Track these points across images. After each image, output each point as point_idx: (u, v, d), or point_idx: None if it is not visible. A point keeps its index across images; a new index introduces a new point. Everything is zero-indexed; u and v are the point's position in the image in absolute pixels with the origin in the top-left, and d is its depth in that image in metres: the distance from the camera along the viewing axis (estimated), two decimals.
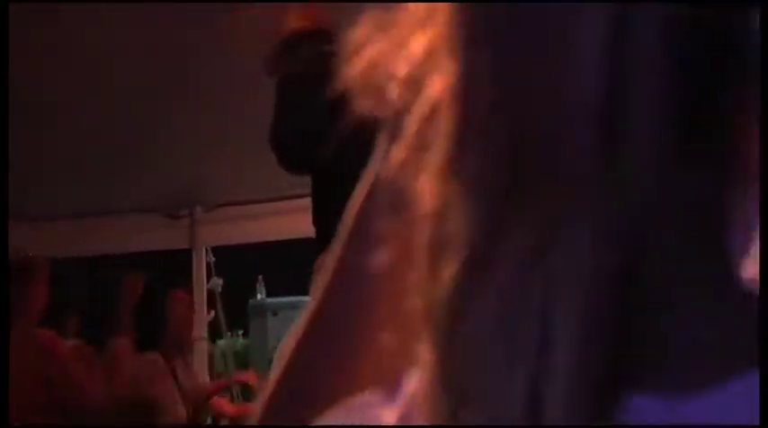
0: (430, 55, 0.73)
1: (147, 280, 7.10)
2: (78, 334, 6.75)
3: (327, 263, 0.98)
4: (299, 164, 4.29)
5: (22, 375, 5.43)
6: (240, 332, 9.37)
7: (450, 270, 0.64)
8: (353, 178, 1.33)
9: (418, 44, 0.74)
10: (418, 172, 0.70)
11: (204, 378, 8.05)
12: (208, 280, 8.64)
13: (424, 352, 0.66)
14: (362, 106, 0.75)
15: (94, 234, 8.46)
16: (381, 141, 0.85)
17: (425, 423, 0.66)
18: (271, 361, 8.18)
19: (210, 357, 9.01)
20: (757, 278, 0.72)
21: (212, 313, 8.63)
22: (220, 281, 8.63)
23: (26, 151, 7.51)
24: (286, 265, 10.10)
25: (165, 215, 8.60)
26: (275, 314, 9.33)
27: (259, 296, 9.75)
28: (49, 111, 7.30)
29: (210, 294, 8.58)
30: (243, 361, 8.94)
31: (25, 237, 7.08)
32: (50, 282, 5.85)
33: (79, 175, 7.84)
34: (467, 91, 0.67)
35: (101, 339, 6.68)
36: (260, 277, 10.46)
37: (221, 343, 9.79)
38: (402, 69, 0.75)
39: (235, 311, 8.42)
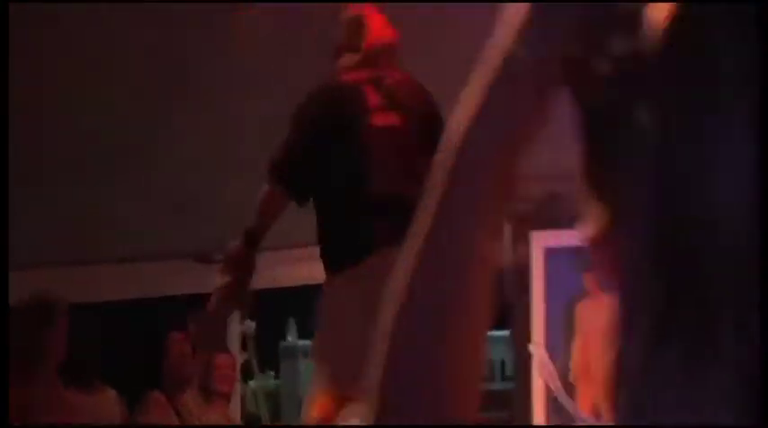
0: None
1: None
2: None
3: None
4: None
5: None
6: (272, 373, 9.32)
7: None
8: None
9: None
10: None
11: (236, 418, 8.03)
12: (241, 323, 8.62)
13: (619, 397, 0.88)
14: None
15: (131, 278, 8.46)
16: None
17: None
18: (301, 402, 8.12)
19: (242, 398, 8.99)
20: None
21: (245, 355, 8.62)
22: (253, 324, 8.61)
23: (60, 197, 7.52)
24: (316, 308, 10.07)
25: (198, 260, 8.60)
26: (306, 356, 9.29)
27: (290, 338, 9.69)
28: (87, 159, 7.30)
29: (243, 336, 8.57)
30: (274, 401, 8.89)
31: (58, 281, 7.05)
32: (70, 328, 5.77)
33: (114, 220, 7.85)
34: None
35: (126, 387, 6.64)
36: (291, 320, 10.40)
37: (253, 383, 9.79)
38: None
39: (267, 353, 8.37)
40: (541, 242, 7.53)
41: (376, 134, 5.01)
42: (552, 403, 6.99)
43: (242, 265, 5.32)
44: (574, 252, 7.43)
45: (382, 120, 5.02)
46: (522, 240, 7.57)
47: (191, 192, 7.60)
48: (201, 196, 7.64)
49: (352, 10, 5.18)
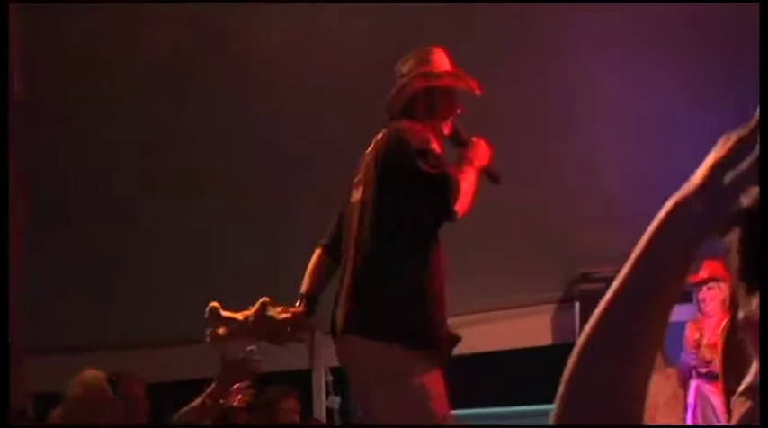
0: None
1: None
2: None
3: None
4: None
5: None
6: None
7: None
8: None
9: None
10: None
11: None
12: (326, 398, 8.63)
13: None
14: None
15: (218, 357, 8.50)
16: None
17: None
18: None
19: None
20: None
21: None
22: (338, 399, 8.60)
23: (133, 283, 7.61)
24: None
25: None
26: None
27: None
28: (164, 247, 7.41)
29: (329, 411, 8.56)
30: None
31: (157, 361, 7.09)
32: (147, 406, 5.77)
33: (204, 301, 7.92)
34: None
35: None
36: None
37: None
38: None
39: None
40: None
41: (348, 210, 4.78)
42: None
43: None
44: None
45: (353, 195, 4.75)
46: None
47: (259, 280, 7.68)
48: (267, 283, 7.70)
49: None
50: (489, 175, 4.78)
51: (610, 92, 6.94)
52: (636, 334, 1.32)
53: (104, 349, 7.79)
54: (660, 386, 6.93)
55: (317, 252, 5.04)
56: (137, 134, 6.79)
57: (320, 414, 8.56)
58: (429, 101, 4.67)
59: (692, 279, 6.86)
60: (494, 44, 6.69)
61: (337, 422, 8.24)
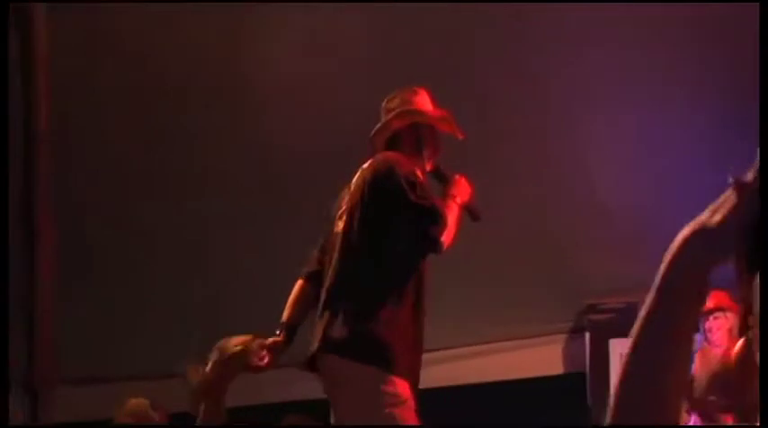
0: None
1: None
2: None
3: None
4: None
5: None
6: None
7: None
8: None
9: None
10: None
11: None
12: None
13: None
14: None
15: (247, 387, 8.51)
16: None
17: None
18: None
19: None
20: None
21: None
22: None
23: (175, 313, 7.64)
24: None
25: (304, 368, 8.64)
26: None
27: None
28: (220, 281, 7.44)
29: None
30: None
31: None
32: None
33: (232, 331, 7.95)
34: None
35: None
36: None
37: None
38: None
39: None
40: (619, 349, 7.51)
41: (332, 239, 4.83)
42: None
43: None
44: None
45: (335, 226, 4.80)
46: (601, 347, 7.56)
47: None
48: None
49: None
50: (470, 212, 4.82)
51: (624, 114, 6.90)
52: (663, 362, 1.45)
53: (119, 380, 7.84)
54: None
55: (300, 282, 5.09)
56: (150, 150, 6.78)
57: None
58: (415, 136, 4.74)
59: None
60: (491, 44, 6.67)
61: None
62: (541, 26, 6.69)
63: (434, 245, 4.50)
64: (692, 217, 1.74)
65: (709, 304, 6.83)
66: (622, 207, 7.17)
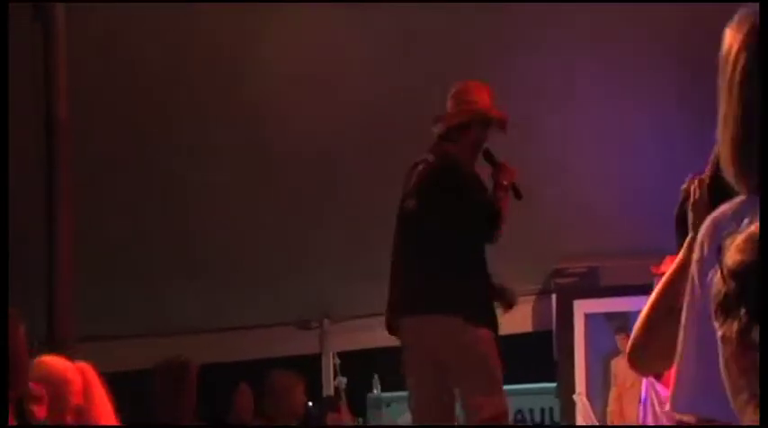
0: None
1: None
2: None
3: None
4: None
5: None
6: (360, 419, 9.38)
7: None
8: None
9: None
10: None
11: None
12: (334, 379, 8.69)
13: None
14: None
15: (243, 343, 8.56)
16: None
17: None
18: None
19: None
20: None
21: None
22: (345, 380, 8.65)
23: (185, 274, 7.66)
24: (396, 365, 10.12)
25: (299, 327, 8.69)
26: (388, 405, 9.31)
27: (375, 391, 9.73)
28: (219, 241, 7.44)
29: (336, 390, 8.61)
30: None
31: (184, 346, 7.13)
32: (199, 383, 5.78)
33: (230, 294, 7.97)
34: None
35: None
36: (376, 376, 10.45)
37: None
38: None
39: (356, 403, 8.40)
40: (582, 309, 7.56)
41: (403, 215, 5.20)
42: None
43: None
44: (609, 317, 7.49)
45: (407, 203, 5.20)
46: (566, 307, 7.60)
47: (295, 269, 7.72)
48: (302, 270, 7.75)
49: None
50: (514, 192, 5.26)
51: (589, 91, 6.84)
52: None
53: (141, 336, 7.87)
54: (628, 370, 6.98)
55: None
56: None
57: (329, 393, 8.62)
58: (476, 130, 5.19)
59: (654, 270, 6.90)
60: (472, 41, 6.52)
61: (343, 398, 8.28)
62: (520, 22, 6.53)
63: (492, 238, 5.11)
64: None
65: (664, 267, 6.85)
66: (588, 181, 7.18)
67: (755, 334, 1.42)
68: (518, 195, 5.25)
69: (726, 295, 1.48)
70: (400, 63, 6.48)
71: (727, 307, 1.48)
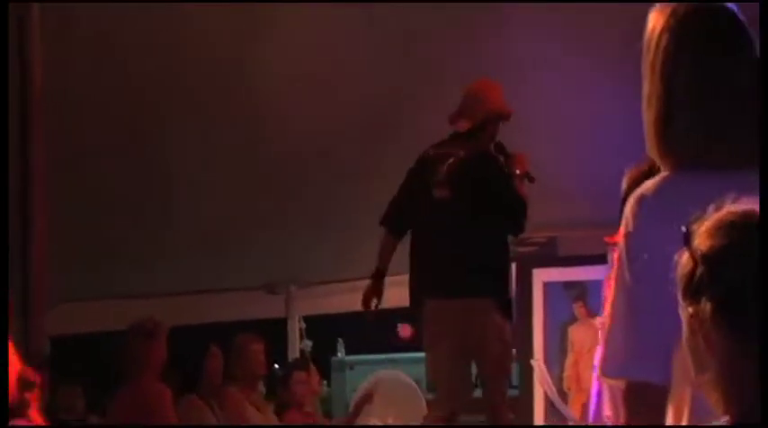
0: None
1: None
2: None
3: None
4: None
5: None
6: (324, 382, 9.51)
7: None
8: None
9: None
10: None
11: None
12: (300, 342, 8.81)
13: None
14: None
15: (211, 306, 8.65)
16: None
17: None
18: (348, 406, 8.23)
19: None
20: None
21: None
22: (310, 343, 8.77)
23: (157, 238, 7.71)
24: (360, 330, 10.24)
25: (266, 291, 8.80)
26: (352, 368, 9.45)
27: (339, 354, 9.88)
28: (187, 206, 7.49)
29: (302, 353, 8.72)
30: (326, 405, 9.06)
31: (153, 309, 7.19)
32: (168, 344, 5.81)
33: (199, 259, 8.04)
34: None
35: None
36: (340, 339, 10.60)
37: None
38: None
39: (321, 366, 8.54)
40: (541, 277, 7.65)
41: (434, 203, 5.48)
42: (550, 407, 7.06)
43: (374, 291, 5.86)
44: (567, 286, 7.63)
45: (439, 192, 5.49)
46: (526, 275, 7.70)
47: (263, 235, 7.79)
48: (269, 236, 7.85)
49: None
50: (528, 178, 5.64)
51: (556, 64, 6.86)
52: None
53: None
54: (585, 334, 7.12)
55: (387, 233, 5.87)
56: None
57: (294, 355, 8.75)
58: (492, 127, 5.63)
59: (607, 240, 7.02)
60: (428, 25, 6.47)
61: (309, 359, 8.38)
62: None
63: (524, 229, 5.68)
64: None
65: (616, 237, 6.96)
66: (548, 153, 7.26)
67: (724, 314, 1.52)
68: (531, 180, 5.65)
69: (696, 277, 1.56)
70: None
71: (696, 289, 1.56)
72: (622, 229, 2.08)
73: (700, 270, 1.55)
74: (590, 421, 4.36)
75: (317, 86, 6.62)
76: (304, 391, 7.12)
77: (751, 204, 1.58)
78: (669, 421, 2.00)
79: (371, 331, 9.66)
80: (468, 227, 5.47)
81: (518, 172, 5.59)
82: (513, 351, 5.86)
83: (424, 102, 6.44)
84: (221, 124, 6.70)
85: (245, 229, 7.56)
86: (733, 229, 1.54)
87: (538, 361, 7.24)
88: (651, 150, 2.14)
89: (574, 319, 7.42)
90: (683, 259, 1.60)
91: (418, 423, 8.00)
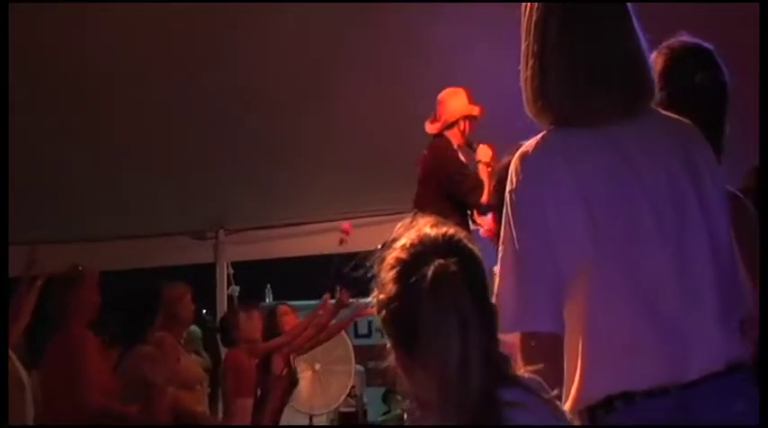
0: None
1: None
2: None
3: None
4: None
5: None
6: None
7: None
8: None
9: None
10: None
11: None
12: (228, 287, 8.72)
13: None
14: None
15: (140, 251, 8.52)
16: None
17: None
18: None
19: None
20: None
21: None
22: (238, 288, 8.69)
23: (88, 184, 7.56)
24: (288, 276, 10.21)
25: (195, 237, 8.69)
26: None
27: (267, 300, 9.83)
28: (116, 153, 7.33)
29: (230, 298, 8.64)
30: None
31: (83, 254, 7.06)
32: (99, 290, 5.70)
33: (128, 204, 7.90)
34: None
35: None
36: (268, 285, 10.53)
37: None
38: None
39: None
40: None
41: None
42: None
43: None
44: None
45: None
46: None
47: (191, 181, 7.66)
48: (198, 183, 7.71)
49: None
50: (489, 167, 6.04)
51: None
52: None
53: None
54: None
55: None
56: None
57: (222, 301, 8.66)
58: (460, 128, 6.18)
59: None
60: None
61: (236, 303, 8.32)
62: None
63: (479, 207, 5.97)
64: None
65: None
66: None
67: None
68: (489, 166, 6.09)
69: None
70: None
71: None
72: (508, 186, 2.12)
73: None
74: None
75: (248, 29, 6.43)
76: (251, 328, 7.11)
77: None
78: (566, 370, 2.01)
79: (297, 277, 9.61)
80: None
81: (480, 160, 6.12)
82: None
83: (351, 59, 6.37)
84: (155, 66, 6.49)
85: (176, 174, 7.42)
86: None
87: None
88: (528, 108, 2.16)
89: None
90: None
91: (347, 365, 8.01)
